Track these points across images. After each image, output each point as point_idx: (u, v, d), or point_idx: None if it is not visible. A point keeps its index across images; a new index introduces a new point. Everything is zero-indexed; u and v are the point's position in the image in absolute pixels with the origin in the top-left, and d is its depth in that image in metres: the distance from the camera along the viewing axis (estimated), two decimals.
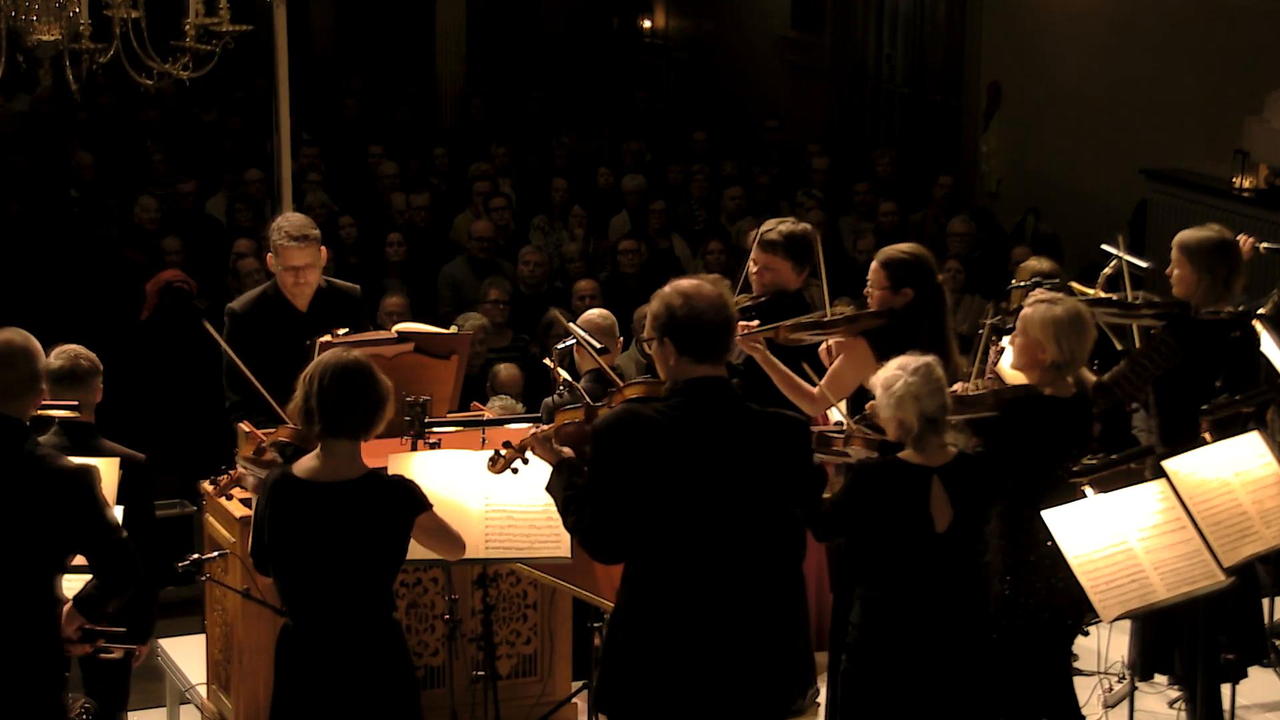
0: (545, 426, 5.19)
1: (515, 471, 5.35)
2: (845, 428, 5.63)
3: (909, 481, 5.24)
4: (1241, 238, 7.06)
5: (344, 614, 5.00)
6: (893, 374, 5.25)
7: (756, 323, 6.36)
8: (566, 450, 5.03)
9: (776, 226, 6.67)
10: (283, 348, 6.45)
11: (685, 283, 4.80)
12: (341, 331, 6.47)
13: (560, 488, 4.93)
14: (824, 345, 6.51)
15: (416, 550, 5.21)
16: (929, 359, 5.29)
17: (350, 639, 5.02)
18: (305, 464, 5.04)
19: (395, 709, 5.08)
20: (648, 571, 4.76)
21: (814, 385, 6.25)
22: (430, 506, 5.07)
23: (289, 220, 6.91)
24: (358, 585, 5.00)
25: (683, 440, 4.69)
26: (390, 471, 5.33)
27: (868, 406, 5.57)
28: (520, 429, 5.77)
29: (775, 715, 4.94)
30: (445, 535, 5.16)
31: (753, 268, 6.66)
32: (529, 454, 5.27)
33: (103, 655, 5.33)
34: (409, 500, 5.05)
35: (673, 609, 4.74)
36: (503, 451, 5.36)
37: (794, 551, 6.02)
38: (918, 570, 5.27)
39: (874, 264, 6.35)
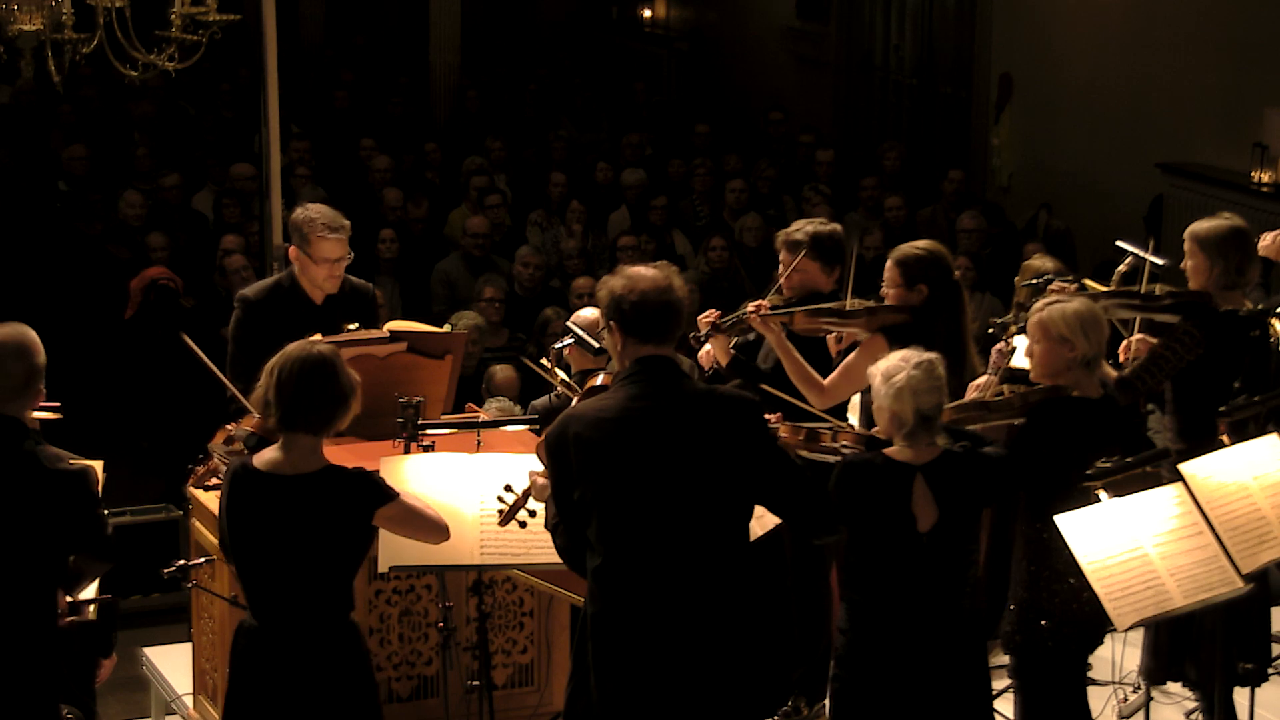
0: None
1: (523, 525, 5.41)
2: (833, 424, 5.63)
3: (891, 478, 5.22)
4: (1272, 235, 7.00)
5: (302, 611, 5.01)
6: (895, 364, 5.24)
7: (768, 303, 6.39)
8: None
9: (803, 226, 6.68)
10: (292, 340, 6.34)
11: (630, 268, 4.96)
12: (353, 326, 6.52)
13: (550, 515, 5.00)
14: (832, 335, 6.52)
15: (407, 555, 5.29)
16: (932, 355, 5.27)
17: (308, 638, 5.02)
18: (266, 456, 5.05)
19: (353, 711, 5.07)
20: (611, 572, 4.81)
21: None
22: (396, 496, 5.05)
23: (321, 212, 6.84)
24: (316, 581, 5.01)
25: (628, 424, 4.79)
26: (383, 474, 5.28)
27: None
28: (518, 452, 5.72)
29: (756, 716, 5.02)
30: (418, 518, 5.13)
31: (781, 269, 6.65)
32: (531, 500, 5.37)
33: (70, 619, 5.38)
34: (369, 492, 5.02)
35: (639, 595, 4.79)
36: (506, 499, 5.42)
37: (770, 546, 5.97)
38: (900, 572, 5.24)
39: (889, 262, 6.38)
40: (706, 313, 6.51)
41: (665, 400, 4.81)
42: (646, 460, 4.76)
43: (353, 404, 5.02)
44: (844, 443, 5.56)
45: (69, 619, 5.33)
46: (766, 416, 5.29)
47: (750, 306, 6.37)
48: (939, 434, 5.26)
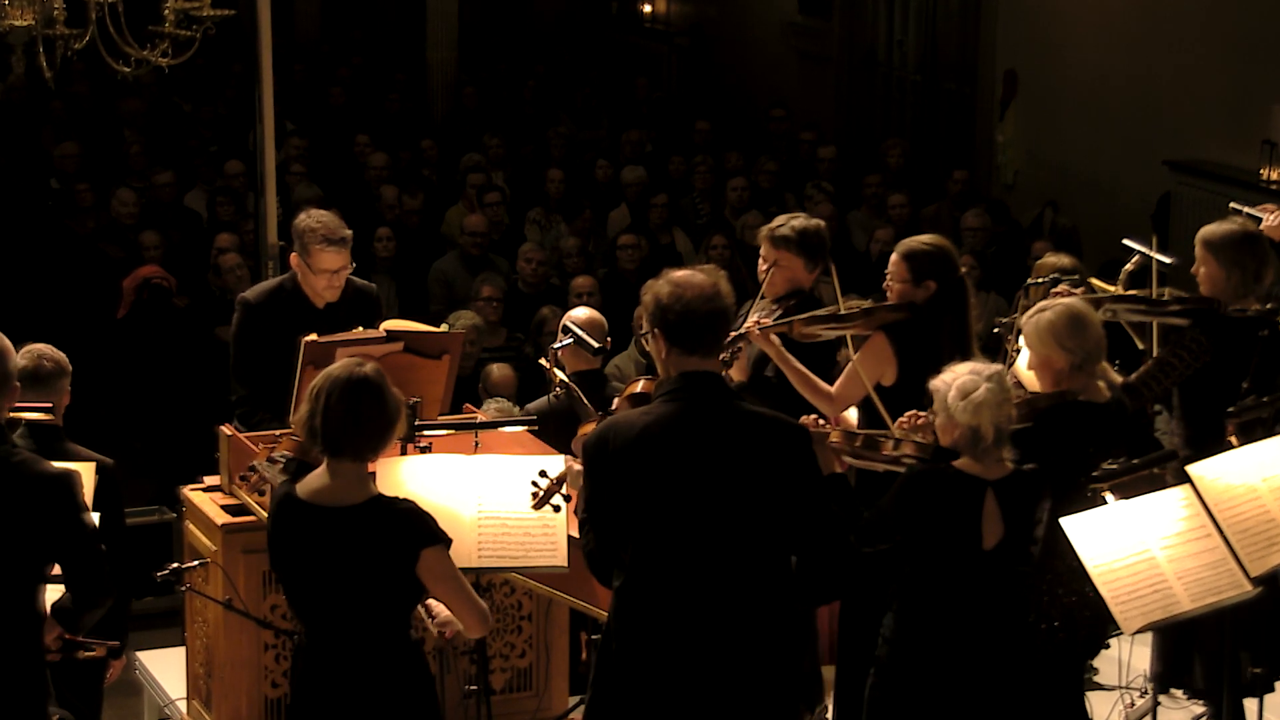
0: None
1: (557, 509, 5.40)
2: (894, 433, 5.56)
3: (962, 493, 5.16)
4: (1277, 215, 6.95)
5: (355, 632, 4.89)
6: (969, 379, 5.15)
7: (769, 319, 6.32)
8: None
9: (789, 221, 6.62)
10: (294, 343, 6.40)
11: (677, 273, 4.83)
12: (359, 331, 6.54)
13: (580, 511, 4.95)
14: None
15: None
16: (999, 366, 5.23)
17: (364, 656, 4.89)
18: (310, 484, 4.89)
19: None
20: (640, 582, 4.74)
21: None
22: (445, 541, 4.83)
23: (322, 222, 6.76)
24: (366, 607, 4.87)
25: (670, 443, 4.69)
26: (379, 475, 5.29)
27: (926, 416, 5.47)
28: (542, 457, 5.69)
29: None
30: (462, 583, 4.87)
31: (762, 265, 6.61)
32: (566, 487, 5.37)
33: (83, 654, 5.27)
34: (413, 531, 4.82)
35: (665, 617, 4.72)
36: (540, 483, 5.38)
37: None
38: (958, 587, 5.19)
39: (894, 256, 6.29)
40: None
41: (711, 422, 4.70)
42: (689, 484, 4.67)
43: (400, 425, 4.89)
44: (907, 452, 5.44)
45: (60, 653, 5.17)
46: (803, 420, 5.21)
47: (749, 323, 6.28)
48: (1008, 447, 5.20)
